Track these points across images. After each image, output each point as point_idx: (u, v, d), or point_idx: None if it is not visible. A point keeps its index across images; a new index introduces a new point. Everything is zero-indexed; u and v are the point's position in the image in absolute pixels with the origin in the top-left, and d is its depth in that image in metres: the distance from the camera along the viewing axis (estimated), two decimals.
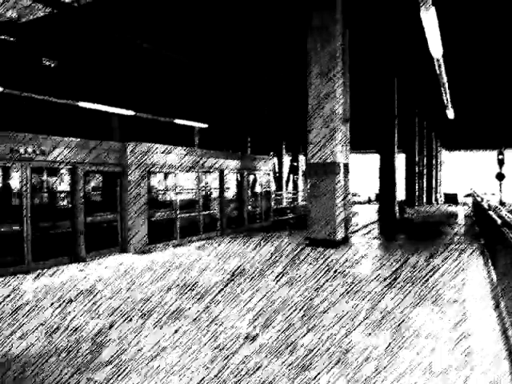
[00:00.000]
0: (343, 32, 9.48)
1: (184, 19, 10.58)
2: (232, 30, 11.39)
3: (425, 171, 26.05)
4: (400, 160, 33.25)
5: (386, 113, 15.22)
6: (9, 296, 5.30)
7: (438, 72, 9.73)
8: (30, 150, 6.78)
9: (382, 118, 15.35)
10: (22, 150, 6.67)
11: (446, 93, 12.91)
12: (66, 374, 3.06)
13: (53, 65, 10.53)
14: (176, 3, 9.69)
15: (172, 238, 9.39)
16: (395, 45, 12.92)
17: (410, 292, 5.25)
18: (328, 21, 9.08)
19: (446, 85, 11.52)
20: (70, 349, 3.54)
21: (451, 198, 28.39)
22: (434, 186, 28.57)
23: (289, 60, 14.20)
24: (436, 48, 7.88)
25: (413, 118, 22.75)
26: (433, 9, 6.38)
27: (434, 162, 28.61)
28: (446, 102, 14.91)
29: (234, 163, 11.49)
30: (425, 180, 26.07)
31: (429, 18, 6.56)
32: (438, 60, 8.89)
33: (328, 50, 9.13)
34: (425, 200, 25.99)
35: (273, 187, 13.58)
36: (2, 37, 9.49)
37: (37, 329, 4.04)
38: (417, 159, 23.22)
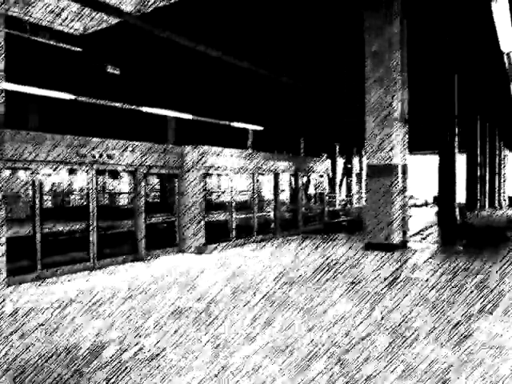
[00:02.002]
0: (401, 27, 9.13)
1: (242, 22, 10.71)
2: (287, 32, 11.37)
3: (487, 173, 24.52)
4: (460, 161, 31.57)
5: (446, 112, 14.50)
6: (84, 293, 5.60)
7: (506, 67, 9.10)
8: (95, 153, 7.13)
9: (442, 117, 14.63)
10: (87, 153, 7.02)
11: None
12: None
13: (116, 72, 11.10)
14: (232, 7, 9.84)
15: (227, 240, 9.51)
16: (456, 38, 12.27)
17: (487, 302, 4.93)
18: (385, 14, 8.81)
19: None
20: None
21: None
22: (497, 188, 26.81)
23: (344, 60, 13.95)
24: (507, 41, 7.38)
25: (474, 116, 21.51)
26: None
27: (496, 163, 26.87)
28: None
29: (288, 165, 11.45)
30: (487, 182, 24.55)
31: (500, 9, 6.16)
32: (508, 54, 8.33)
33: (385, 44, 8.85)
34: (487, 204, 24.47)
35: (326, 189, 13.39)
36: (72, 48, 10.13)
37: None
38: (478, 160, 21.92)
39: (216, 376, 3.01)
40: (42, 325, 4.19)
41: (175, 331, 3.97)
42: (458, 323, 4.14)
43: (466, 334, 3.84)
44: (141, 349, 3.54)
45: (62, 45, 10.06)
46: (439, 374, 3.03)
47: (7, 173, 7.57)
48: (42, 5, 9.48)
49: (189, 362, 3.26)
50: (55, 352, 3.48)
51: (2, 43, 2.49)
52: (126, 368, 3.15)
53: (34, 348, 3.57)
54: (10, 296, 5.35)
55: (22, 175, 9.90)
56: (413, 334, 3.85)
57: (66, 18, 10.31)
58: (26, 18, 9.51)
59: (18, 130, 6.08)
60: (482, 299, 5.01)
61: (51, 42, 9.80)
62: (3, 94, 2.53)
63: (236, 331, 3.95)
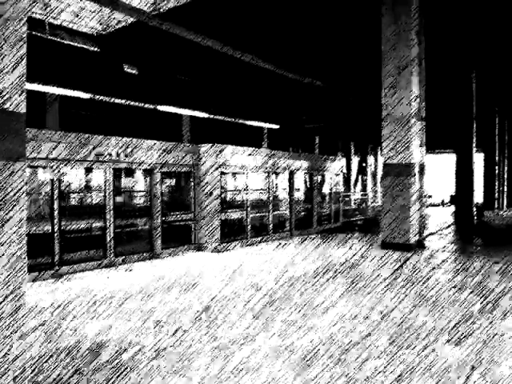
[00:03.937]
0: (419, 23, 9.00)
1: (255, 20, 10.70)
2: (304, 30, 11.30)
3: (506, 171, 24.04)
4: (478, 160, 31.00)
5: (463, 110, 14.27)
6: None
7: None
8: (112, 152, 7.21)
9: (459, 115, 14.40)
10: (104, 152, 7.10)
11: None
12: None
13: (133, 71, 11.19)
14: (244, 5, 9.83)
15: (243, 238, 9.52)
16: (474, 34, 12.04)
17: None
18: (403, 9, 8.71)
19: None
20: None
21: None
22: None
23: (360, 57, 13.82)
24: None
25: (492, 115, 21.09)
26: None
27: None
28: None
29: (303, 163, 11.40)
30: (505, 181, 24.07)
31: None
32: None
33: (402, 41, 8.75)
34: (505, 203, 24.00)
35: (341, 188, 13.30)
36: (88, 47, 10.25)
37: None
38: (497, 159, 21.50)
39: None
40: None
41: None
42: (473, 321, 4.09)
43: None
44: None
45: (79, 44, 10.19)
46: None
47: (27, 171, 7.70)
48: (61, 5, 9.62)
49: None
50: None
51: (24, 45, 2.53)
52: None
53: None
54: (28, 293, 5.47)
55: (41, 173, 10.06)
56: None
57: (84, 18, 10.45)
58: (45, 18, 9.67)
59: (32, 128, 6.19)
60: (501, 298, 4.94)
61: (69, 42, 9.94)
62: (25, 94, 2.57)
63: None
